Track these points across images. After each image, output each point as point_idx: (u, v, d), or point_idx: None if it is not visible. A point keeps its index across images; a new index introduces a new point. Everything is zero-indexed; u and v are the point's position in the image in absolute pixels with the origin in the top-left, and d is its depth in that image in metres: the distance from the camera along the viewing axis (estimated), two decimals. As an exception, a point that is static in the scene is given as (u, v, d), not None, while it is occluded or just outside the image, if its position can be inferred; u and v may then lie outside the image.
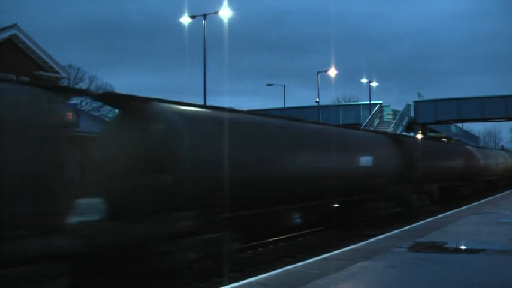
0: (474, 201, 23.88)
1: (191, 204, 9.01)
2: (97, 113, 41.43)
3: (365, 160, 15.80)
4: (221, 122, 10.16)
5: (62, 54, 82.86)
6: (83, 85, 56.30)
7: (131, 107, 8.97)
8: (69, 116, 7.67)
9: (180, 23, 30.97)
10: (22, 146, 6.65)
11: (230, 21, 30.33)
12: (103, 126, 9.08)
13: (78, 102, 41.11)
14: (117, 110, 9.60)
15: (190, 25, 31.31)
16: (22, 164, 6.62)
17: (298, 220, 14.00)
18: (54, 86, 13.80)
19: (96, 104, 45.64)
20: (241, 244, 10.83)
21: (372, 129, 39.82)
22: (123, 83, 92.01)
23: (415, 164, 19.42)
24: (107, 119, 9.39)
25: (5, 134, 6.50)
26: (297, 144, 12.73)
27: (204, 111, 10.57)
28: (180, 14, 30.95)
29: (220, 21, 30.29)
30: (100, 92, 20.06)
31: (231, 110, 11.30)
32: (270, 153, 11.43)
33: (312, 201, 13.39)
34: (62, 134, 7.34)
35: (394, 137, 20.44)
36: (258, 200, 11.08)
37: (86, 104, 46.87)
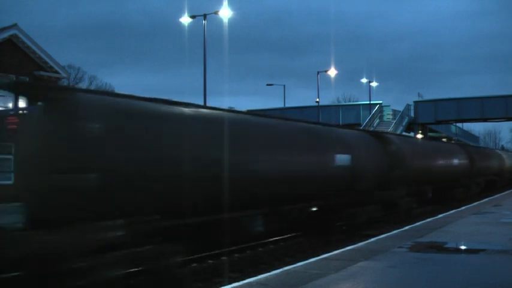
0: (474, 201, 23.86)
1: (122, 211, 7.99)
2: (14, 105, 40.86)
3: (341, 159, 14.31)
4: (160, 116, 9.11)
5: (62, 54, 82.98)
6: (83, 85, 56.37)
7: (51, 98, 7.84)
8: None
9: (180, 23, 31.04)
10: None
11: (230, 21, 30.40)
12: (19, 120, 7.83)
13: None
14: (37, 102, 8.19)
15: (191, 25, 31.36)
16: None
17: (260, 228, 11.69)
18: None
19: (10, 95, 44.78)
20: (188, 256, 9.90)
21: (371, 129, 39.80)
22: (123, 83, 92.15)
23: (403, 164, 17.80)
24: (24, 112, 7.97)
25: None
26: (253, 141, 11.19)
27: (142, 104, 9.08)
28: (180, 14, 31.04)
29: (220, 21, 30.36)
30: (14, 81, 17.78)
31: (173, 103, 9.93)
32: (220, 151, 9.85)
33: (280, 206, 12.03)
34: None
35: (377, 135, 18.62)
36: (206, 205, 9.71)
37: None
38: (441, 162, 23.57)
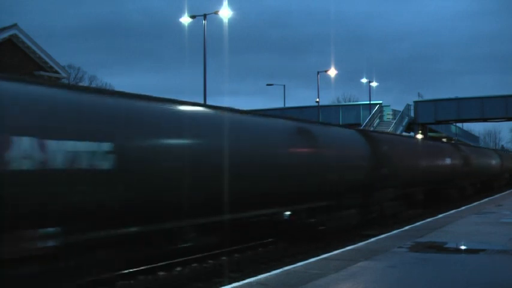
0: (474, 201, 23.85)
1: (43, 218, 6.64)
2: None
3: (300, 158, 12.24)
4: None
5: (63, 54, 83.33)
6: (83, 85, 56.33)
7: None
8: None
9: (181, 23, 31.06)
10: None
11: (230, 21, 30.42)
12: None
13: None
14: None
15: (191, 25, 31.39)
16: None
17: (194, 240, 9.65)
18: None
19: None
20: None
21: (371, 129, 39.79)
22: (124, 83, 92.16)
23: (389, 164, 16.39)
24: None
25: None
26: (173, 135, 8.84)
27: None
28: (181, 14, 31.08)
29: (221, 21, 30.40)
30: None
31: (73, 87, 8.77)
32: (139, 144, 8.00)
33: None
34: None
35: (361, 132, 16.90)
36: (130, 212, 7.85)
37: None
38: (433, 162, 22.39)
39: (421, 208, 20.70)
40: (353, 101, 68.68)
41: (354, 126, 38.95)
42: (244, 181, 10.13)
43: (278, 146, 11.61)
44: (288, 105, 57.83)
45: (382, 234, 13.15)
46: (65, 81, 32.37)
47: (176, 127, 8.97)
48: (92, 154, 7.08)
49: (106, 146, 7.35)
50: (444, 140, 57.72)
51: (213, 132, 9.69)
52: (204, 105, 12.38)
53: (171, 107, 9.25)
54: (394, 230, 13.96)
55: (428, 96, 63.92)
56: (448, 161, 24.35)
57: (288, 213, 12.32)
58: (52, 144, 6.65)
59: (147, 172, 8.07)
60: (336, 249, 10.85)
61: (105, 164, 7.26)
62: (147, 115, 8.48)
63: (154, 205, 8.23)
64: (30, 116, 6.69)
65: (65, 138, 6.90)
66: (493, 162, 35.38)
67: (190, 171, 8.78)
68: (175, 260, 10.59)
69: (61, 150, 6.73)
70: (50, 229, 6.75)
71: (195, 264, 10.82)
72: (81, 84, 57.37)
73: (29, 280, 6.65)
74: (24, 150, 6.33)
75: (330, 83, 66.05)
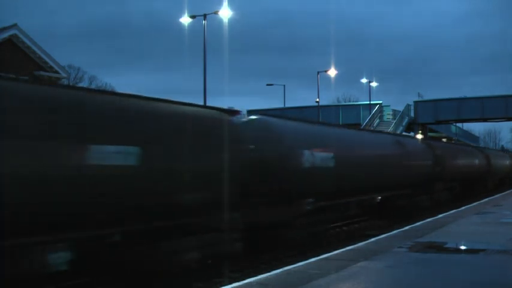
0: (474, 201, 23.87)
1: None
2: None
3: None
4: None
5: (64, 55, 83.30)
6: (83, 85, 56.39)
7: None
8: None
9: (181, 23, 31.06)
10: None
11: (232, 22, 30.44)
12: None
13: None
14: None
15: (193, 26, 31.38)
16: None
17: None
18: None
19: None
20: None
21: (371, 129, 39.78)
22: (125, 83, 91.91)
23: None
24: None
25: None
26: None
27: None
28: (182, 15, 31.04)
29: (221, 21, 30.38)
30: None
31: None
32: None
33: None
34: None
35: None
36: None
37: None
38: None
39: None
40: (353, 101, 68.68)
41: (354, 126, 38.98)
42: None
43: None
44: (288, 105, 57.89)
45: (382, 234, 13.16)
46: (65, 81, 32.39)
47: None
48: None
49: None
50: (444, 140, 57.75)
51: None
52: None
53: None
54: (394, 230, 13.97)
55: (428, 96, 63.89)
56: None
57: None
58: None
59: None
60: (336, 249, 10.86)
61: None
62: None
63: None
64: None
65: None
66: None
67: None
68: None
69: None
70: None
71: (194, 265, 10.81)
72: (81, 84, 57.44)
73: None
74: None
75: (330, 83, 66.00)
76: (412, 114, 49.98)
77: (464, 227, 14.22)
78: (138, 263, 8.58)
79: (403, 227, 14.34)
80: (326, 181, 12.89)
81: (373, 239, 12.17)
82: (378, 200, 16.73)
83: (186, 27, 31.16)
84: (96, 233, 7.77)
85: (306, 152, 12.27)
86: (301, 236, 12.41)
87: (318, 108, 48.55)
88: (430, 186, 20.87)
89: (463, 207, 20.59)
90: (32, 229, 6.94)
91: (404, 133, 46.00)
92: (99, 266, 8.30)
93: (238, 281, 8.01)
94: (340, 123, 46.34)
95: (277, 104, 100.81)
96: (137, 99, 8.97)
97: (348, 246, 11.20)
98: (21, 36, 28.14)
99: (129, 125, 8.33)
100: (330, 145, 13.61)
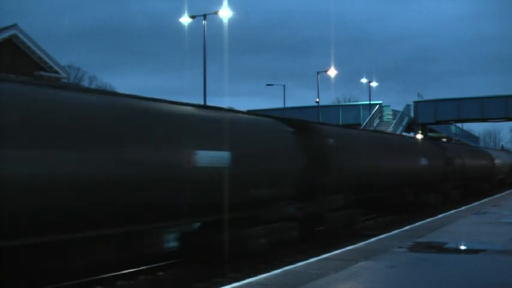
0: (474, 201, 23.87)
1: None
2: None
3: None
4: None
5: (65, 55, 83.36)
6: (83, 85, 56.35)
7: None
8: None
9: (181, 23, 31.04)
10: None
11: (231, 22, 30.41)
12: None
13: None
14: None
15: (194, 27, 31.51)
16: None
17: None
18: None
19: None
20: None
21: (371, 129, 39.75)
22: (126, 83, 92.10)
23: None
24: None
25: None
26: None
27: None
28: (182, 15, 31.01)
29: (221, 22, 30.36)
30: None
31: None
32: None
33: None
34: None
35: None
36: None
37: None
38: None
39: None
40: (353, 101, 68.63)
41: (354, 126, 38.97)
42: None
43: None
44: (288, 105, 57.87)
45: (382, 234, 13.15)
46: (65, 81, 32.39)
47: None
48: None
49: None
50: (444, 140, 57.72)
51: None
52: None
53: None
54: (394, 230, 13.96)
55: (428, 96, 63.86)
56: (483, 161, 32.04)
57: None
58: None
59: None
60: (336, 249, 10.85)
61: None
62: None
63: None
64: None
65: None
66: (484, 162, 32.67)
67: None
68: (175, 260, 10.61)
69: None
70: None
71: (195, 265, 10.82)
72: (81, 84, 57.38)
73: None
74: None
75: (330, 83, 66.08)
76: (412, 114, 49.94)
77: (464, 227, 14.22)
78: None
79: (403, 227, 14.34)
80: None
81: (373, 239, 12.16)
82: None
83: (186, 28, 31.18)
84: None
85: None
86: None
87: (318, 108, 48.53)
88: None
89: (463, 208, 20.59)
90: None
91: (404, 133, 45.99)
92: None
93: (238, 281, 8.00)
94: (340, 123, 46.31)
95: (277, 104, 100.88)
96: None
97: (348, 246, 11.20)
98: (21, 36, 28.10)
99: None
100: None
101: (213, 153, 9.74)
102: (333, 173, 13.75)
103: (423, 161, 21.11)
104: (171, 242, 9.41)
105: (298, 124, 13.61)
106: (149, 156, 8.61)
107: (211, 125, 10.28)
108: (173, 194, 9.03)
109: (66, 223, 7.42)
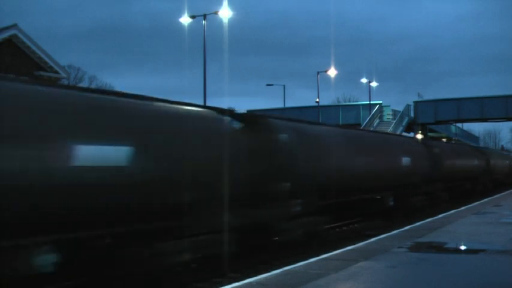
0: (474, 201, 23.86)
1: None
2: None
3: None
4: None
5: (65, 56, 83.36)
6: (83, 85, 56.33)
7: None
8: None
9: (181, 23, 31.04)
10: None
11: (231, 22, 30.40)
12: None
13: None
14: None
15: (194, 27, 31.46)
16: None
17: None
18: None
19: None
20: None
21: (371, 129, 39.72)
22: (127, 83, 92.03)
23: (438, 165, 20.85)
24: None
25: None
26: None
27: None
28: (183, 15, 31.00)
29: (222, 22, 30.36)
30: None
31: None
32: None
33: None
34: None
35: (422, 142, 20.19)
36: None
37: None
38: (467, 163, 25.02)
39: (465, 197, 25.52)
40: (353, 101, 68.62)
41: (354, 126, 38.97)
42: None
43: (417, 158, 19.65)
44: (288, 105, 57.89)
45: (382, 234, 13.14)
46: (65, 81, 32.37)
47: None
48: None
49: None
50: (444, 140, 57.71)
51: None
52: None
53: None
54: (394, 230, 13.95)
55: (428, 96, 63.86)
56: (475, 162, 29.76)
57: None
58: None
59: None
60: (336, 249, 10.84)
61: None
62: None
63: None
64: None
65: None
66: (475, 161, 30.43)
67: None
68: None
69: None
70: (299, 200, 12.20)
71: (195, 264, 10.80)
72: (80, 84, 57.34)
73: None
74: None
75: (330, 83, 66.05)
76: (412, 114, 49.95)
77: (464, 227, 14.21)
78: None
79: (403, 227, 14.33)
80: None
81: (373, 239, 12.15)
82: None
83: (186, 28, 31.17)
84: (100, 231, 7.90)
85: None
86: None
87: (318, 108, 48.53)
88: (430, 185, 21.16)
89: (463, 207, 20.58)
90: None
91: (404, 133, 45.99)
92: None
93: (238, 281, 8.00)
94: (340, 123, 46.32)
95: (277, 104, 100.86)
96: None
97: (348, 246, 11.19)
98: (21, 36, 28.09)
99: None
100: None
101: (105, 148, 7.65)
102: (287, 175, 11.50)
103: (406, 161, 18.68)
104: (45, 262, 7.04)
105: (245, 117, 11.38)
106: None
107: (105, 113, 7.98)
108: (36, 202, 6.80)
109: None
